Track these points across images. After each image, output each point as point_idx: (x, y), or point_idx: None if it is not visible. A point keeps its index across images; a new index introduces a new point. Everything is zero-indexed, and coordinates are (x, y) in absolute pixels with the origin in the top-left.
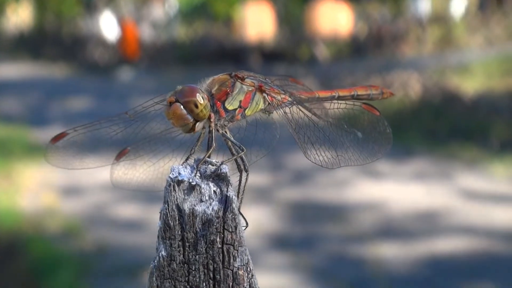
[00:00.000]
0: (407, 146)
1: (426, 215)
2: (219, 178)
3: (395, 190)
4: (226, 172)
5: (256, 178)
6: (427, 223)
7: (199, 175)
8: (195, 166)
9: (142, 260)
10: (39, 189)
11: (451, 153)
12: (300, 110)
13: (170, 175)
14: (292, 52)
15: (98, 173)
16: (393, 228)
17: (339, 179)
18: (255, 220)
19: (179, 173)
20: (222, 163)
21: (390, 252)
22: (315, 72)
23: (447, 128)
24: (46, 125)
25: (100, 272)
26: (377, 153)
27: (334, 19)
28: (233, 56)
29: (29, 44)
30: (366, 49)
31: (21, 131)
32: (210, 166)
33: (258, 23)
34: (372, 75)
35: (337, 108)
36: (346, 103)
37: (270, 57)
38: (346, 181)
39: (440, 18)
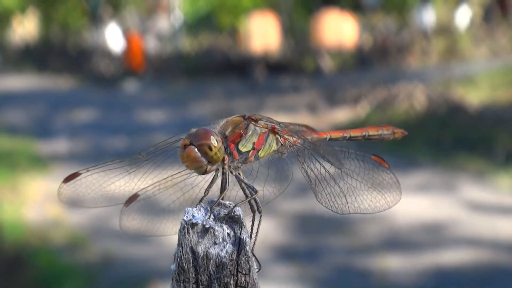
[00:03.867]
0: (412, 158)
1: (432, 226)
2: (232, 220)
3: (401, 201)
4: (240, 214)
5: (259, 190)
6: (432, 235)
7: (213, 217)
8: (208, 208)
9: (148, 272)
10: (45, 201)
11: (456, 165)
12: (311, 154)
13: (184, 218)
14: (297, 64)
15: (103, 184)
16: (399, 240)
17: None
18: (261, 232)
19: (193, 216)
20: (235, 205)
21: (395, 263)
22: (320, 84)
23: (452, 139)
24: (51, 137)
25: (106, 284)
26: (385, 205)
27: (339, 30)
28: (238, 67)
29: (34, 56)
30: (371, 61)
31: (26, 143)
32: (223, 208)
33: (263, 35)
34: (377, 86)
35: (348, 158)
36: (356, 153)
37: (275, 68)
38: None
39: (445, 29)
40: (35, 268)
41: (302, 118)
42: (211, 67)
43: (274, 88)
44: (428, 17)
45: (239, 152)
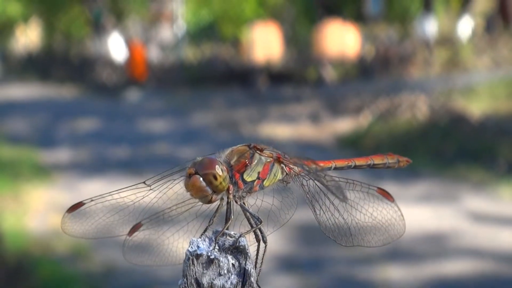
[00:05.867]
0: (414, 168)
1: (434, 237)
2: (237, 250)
3: (402, 212)
4: (245, 245)
5: (262, 201)
6: (434, 245)
7: (218, 248)
8: (213, 239)
9: (150, 282)
10: (47, 210)
11: (458, 175)
12: (316, 184)
13: (189, 249)
14: (299, 74)
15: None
16: (401, 250)
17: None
18: None
19: (198, 247)
20: (240, 236)
21: (397, 274)
22: (322, 93)
23: (454, 149)
24: (54, 146)
25: None
26: (389, 238)
27: (341, 40)
28: (240, 77)
29: (37, 65)
30: (373, 71)
31: (29, 152)
32: (228, 238)
33: (265, 45)
34: (379, 96)
35: (352, 190)
36: (361, 185)
37: (277, 78)
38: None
39: (447, 40)
40: (37, 278)
41: (304, 128)
42: (214, 76)
43: (276, 98)
44: (430, 27)
45: (244, 181)
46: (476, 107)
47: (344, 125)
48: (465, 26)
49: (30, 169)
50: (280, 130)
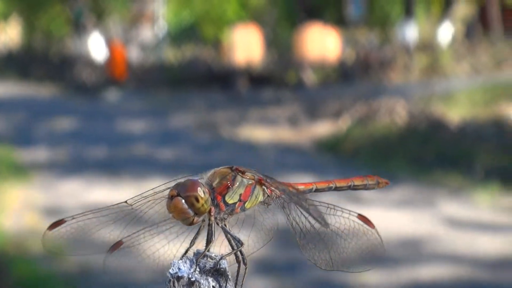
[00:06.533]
0: (392, 173)
1: (411, 242)
2: (218, 273)
3: (380, 216)
4: (225, 267)
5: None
6: (411, 250)
7: (199, 270)
8: (194, 261)
9: (125, 283)
10: (23, 209)
11: (435, 181)
12: (297, 208)
13: (170, 271)
14: (279, 76)
15: (81, 193)
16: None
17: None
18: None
19: (179, 269)
20: (221, 258)
21: (373, 278)
22: (302, 97)
23: (432, 155)
24: (32, 145)
25: None
26: (369, 264)
27: (322, 44)
28: (221, 79)
29: (17, 63)
30: (354, 75)
31: (6, 151)
32: (209, 260)
33: (246, 47)
34: (359, 101)
35: (333, 215)
36: (342, 211)
37: (257, 80)
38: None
39: (427, 45)
40: (12, 277)
41: (284, 131)
42: (194, 78)
43: (256, 101)
44: (411, 33)
45: (226, 203)
46: (455, 113)
47: (323, 129)
48: (446, 32)
49: (7, 168)
50: (259, 133)
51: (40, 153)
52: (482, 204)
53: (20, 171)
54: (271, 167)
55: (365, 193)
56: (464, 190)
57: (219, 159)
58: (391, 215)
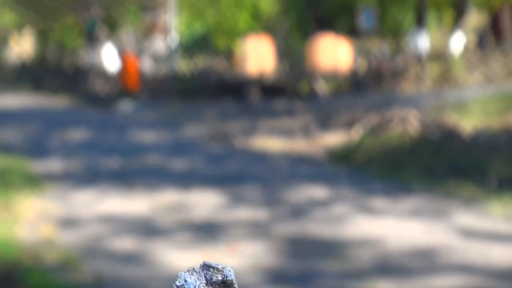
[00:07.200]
0: (405, 183)
1: (424, 252)
2: (225, 285)
3: (392, 226)
4: (232, 279)
5: (253, 213)
6: (424, 260)
7: (205, 282)
8: (201, 273)
9: None
10: (38, 220)
11: (448, 191)
12: None
13: (177, 283)
14: (292, 87)
15: (96, 205)
16: (390, 265)
17: (336, 214)
18: (252, 255)
19: (185, 281)
20: (228, 270)
21: None
22: (315, 107)
23: (445, 165)
24: (46, 156)
25: None
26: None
27: (334, 54)
28: (233, 89)
29: (30, 75)
30: (366, 85)
31: (21, 162)
32: (216, 271)
33: (258, 58)
34: (371, 111)
35: None
36: None
37: (270, 91)
38: (343, 217)
39: (439, 55)
40: (27, 287)
41: (296, 141)
42: (206, 88)
43: (268, 111)
44: (423, 42)
45: None
46: (468, 123)
47: (335, 139)
48: (458, 42)
49: (21, 179)
50: (271, 143)
51: (54, 164)
52: (496, 214)
53: (34, 181)
54: (284, 177)
55: (378, 203)
56: (477, 200)
57: (232, 169)
58: (404, 225)
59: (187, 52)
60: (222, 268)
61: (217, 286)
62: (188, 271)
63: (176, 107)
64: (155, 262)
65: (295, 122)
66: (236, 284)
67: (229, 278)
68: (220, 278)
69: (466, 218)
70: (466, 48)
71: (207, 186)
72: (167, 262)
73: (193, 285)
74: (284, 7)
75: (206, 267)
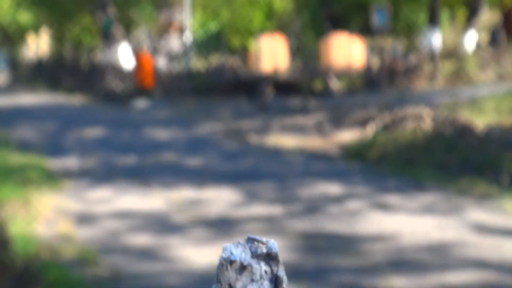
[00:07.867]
0: (418, 180)
1: (438, 248)
2: (269, 257)
3: (406, 222)
4: (277, 252)
5: (268, 209)
6: (438, 256)
7: (251, 254)
8: (246, 246)
9: (157, 287)
10: (55, 216)
11: (462, 187)
12: None
13: (223, 255)
14: (306, 85)
15: (113, 201)
16: (405, 261)
17: (351, 210)
18: None
19: (232, 253)
20: (272, 242)
21: (401, 284)
22: (328, 104)
23: (458, 162)
24: (63, 153)
25: None
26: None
27: (347, 52)
28: (247, 87)
29: (47, 73)
30: (379, 83)
31: (38, 159)
32: (261, 244)
33: (272, 56)
34: (385, 108)
35: None
36: None
37: (284, 88)
38: (358, 213)
39: (452, 53)
40: (45, 283)
41: (310, 138)
42: (221, 86)
43: (283, 108)
44: (436, 40)
45: None
46: (481, 120)
47: (349, 136)
48: (470, 40)
49: (39, 176)
50: (286, 141)
51: (71, 161)
52: (509, 210)
53: (52, 179)
54: (298, 173)
55: (392, 200)
56: (491, 196)
57: (246, 166)
58: (418, 221)
59: (202, 51)
60: (266, 241)
61: (261, 258)
62: (234, 244)
63: (190, 105)
64: (171, 257)
65: (309, 120)
66: (280, 257)
67: (274, 250)
68: (264, 250)
69: (479, 214)
70: (478, 46)
71: (222, 183)
72: (182, 258)
73: (239, 256)
74: (298, 5)
75: (250, 240)
